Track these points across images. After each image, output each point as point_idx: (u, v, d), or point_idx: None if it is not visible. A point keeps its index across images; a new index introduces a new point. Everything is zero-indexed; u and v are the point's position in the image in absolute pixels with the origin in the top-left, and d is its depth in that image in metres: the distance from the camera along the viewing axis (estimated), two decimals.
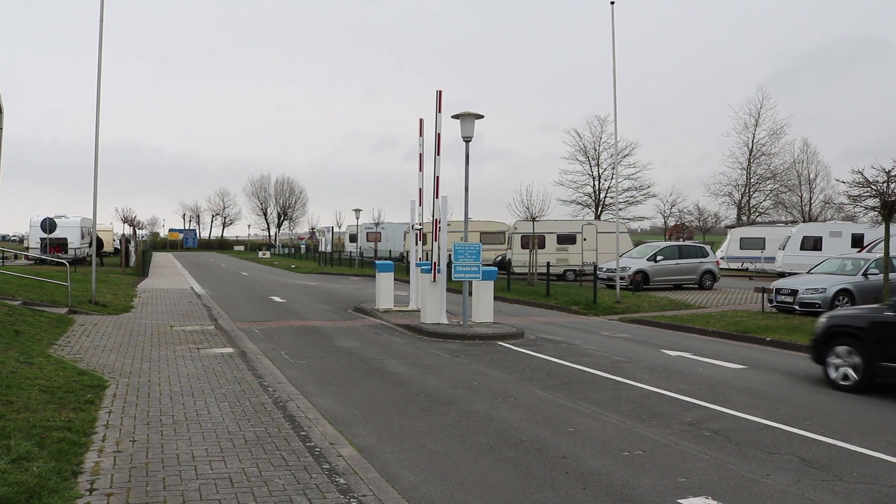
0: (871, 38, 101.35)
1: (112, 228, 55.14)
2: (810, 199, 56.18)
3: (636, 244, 32.96)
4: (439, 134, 16.18)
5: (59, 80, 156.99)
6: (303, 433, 6.62)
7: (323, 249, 64.58)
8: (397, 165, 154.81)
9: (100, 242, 39.68)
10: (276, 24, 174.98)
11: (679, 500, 5.25)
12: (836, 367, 9.64)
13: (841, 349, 9.60)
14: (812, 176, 56.29)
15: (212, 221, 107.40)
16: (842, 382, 9.53)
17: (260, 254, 70.61)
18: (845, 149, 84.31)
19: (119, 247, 42.98)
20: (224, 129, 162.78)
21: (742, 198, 56.10)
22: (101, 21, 16.73)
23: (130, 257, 38.14)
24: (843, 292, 17.23)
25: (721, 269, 30.28)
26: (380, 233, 50.34)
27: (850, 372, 9.45)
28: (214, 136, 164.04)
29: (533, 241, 27.65)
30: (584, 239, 31.84)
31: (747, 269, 37.45)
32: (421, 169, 18.45)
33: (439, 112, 16.07)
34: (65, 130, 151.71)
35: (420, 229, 19.84)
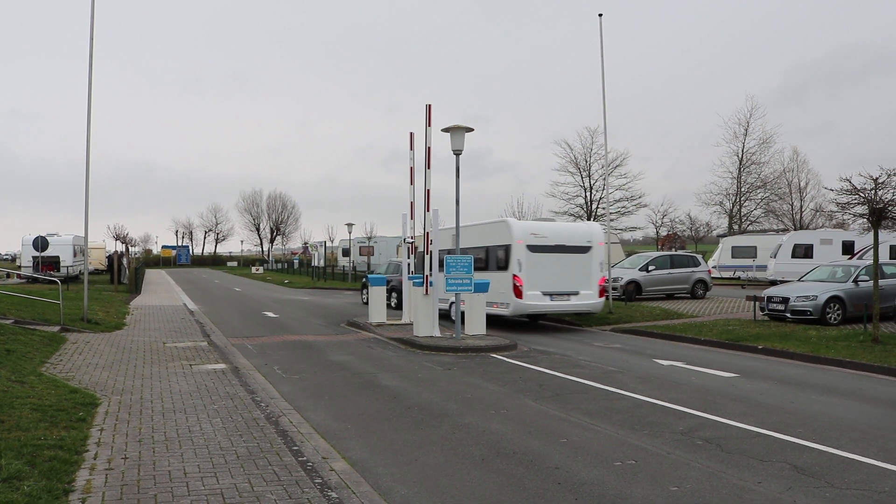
0: (881, 48, 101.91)
1: (104, 246, 54.94)
2: (801, 207, 56.60)
3: (628, 254, 33.06)
4: (429, 148, 16.25)
5: (80, 99, 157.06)
6: (295, 448, 6.61)
7: (316, 264, 64.51)
8: (401, 179, 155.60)
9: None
10: (300, 44, 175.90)
11: None
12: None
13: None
14: (802, 184, 56.72)
15: (204, 237, 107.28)
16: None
17: (253, 269, 70.55)
18: (850, 159, 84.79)
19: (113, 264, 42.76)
20: (238, 147, 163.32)
21: (733, 207, 56.43)
22: (91, 40, 16.79)
23: (123, 274, 38.02)
24: (834, 299, 17.18)
25: (713, 277, 30.37)
26: (372, 247, 50.39)
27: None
28: (226, 154, 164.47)
29: None
30: None
31: (739, 277, 37.59)
32: (412, 182, 18.52)
33: (429, 126, 16.16)
34: (82, 150, 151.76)
35: (412, 242, 19.88)
